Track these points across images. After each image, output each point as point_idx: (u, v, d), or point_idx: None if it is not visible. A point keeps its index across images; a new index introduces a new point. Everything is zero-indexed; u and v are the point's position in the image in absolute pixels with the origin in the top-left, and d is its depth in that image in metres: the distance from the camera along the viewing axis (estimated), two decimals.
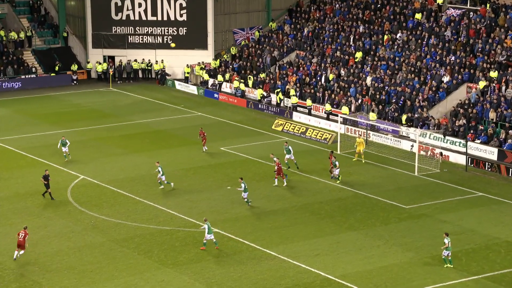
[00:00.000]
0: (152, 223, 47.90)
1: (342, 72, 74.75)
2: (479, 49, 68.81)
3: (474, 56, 68.83)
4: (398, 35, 75.52)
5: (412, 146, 61.29)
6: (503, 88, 64.18)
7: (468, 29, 71.52)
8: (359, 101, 69.70)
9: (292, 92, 73.77)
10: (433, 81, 68.05)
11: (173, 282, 40.37)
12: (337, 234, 46.21)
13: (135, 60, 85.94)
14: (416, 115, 65.02)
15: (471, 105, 64.04)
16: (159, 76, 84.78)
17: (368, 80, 71.77)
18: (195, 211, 49.46)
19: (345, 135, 65.08)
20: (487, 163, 57.84)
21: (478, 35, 70.77)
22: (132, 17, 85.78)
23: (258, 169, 57.36)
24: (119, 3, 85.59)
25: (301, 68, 77.97)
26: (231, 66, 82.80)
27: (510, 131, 59.55)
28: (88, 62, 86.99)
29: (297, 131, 66.60)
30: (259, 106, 75.03)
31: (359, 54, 75.84)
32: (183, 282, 40.35)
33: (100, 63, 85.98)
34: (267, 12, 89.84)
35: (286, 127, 67.48)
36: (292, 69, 78.34)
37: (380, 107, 68.10)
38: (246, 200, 50.33)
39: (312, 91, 73.58)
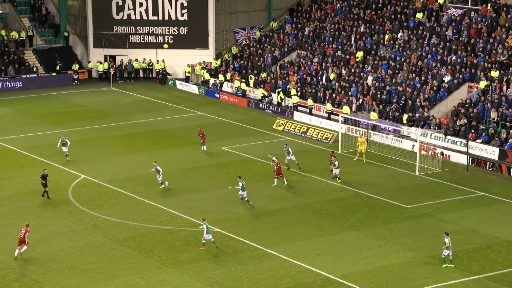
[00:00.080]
0: (153, 222, 47.90)
1: (343, 71, 74.75)
2: (480, 49, 68.78)
3: (475, 55, 68.79)
4: (399, 34, 75.50)
5: (413, 145, 61.27)
6: (504, 87, 64.16)
7: (469, 29, 71.50)
8: (360, 100, 69.69)
9: (293, 91, 73.76)
10: (434, 81, 68.03)
11: (174, 281, 40.36)
12: (338, 233, 46.20)
13: (136, 60, 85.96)
14: (417, 115, 65.01)
15: (472, 104, 64.01)
16: (160, 75, 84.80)
17: (369, 79, 71.76)
18: (196, 210, 49.45)
19: (346, 134, 65.06)
20: (488, 163, 57.82)
21: (479, 34, 70.75)
22: (133, 17, 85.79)
23: (259, 169, 57.35)
24: (120, 3, 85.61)
25: (302, 68, 77.95)
26: (232, 66, 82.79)
27: (511, 131, 59.51)
28: (89, 62, 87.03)
29: (298, 131, 66.59)
30: (260, 105, 75.02)
31: (360, 54, 75.83)
32: (184, 281, 40.34)
33: (101, 63, 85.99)
34: (268, 12, 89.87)
35: (287, 127, 67.47)
36: (293, 69, 78.33)
37: (381, 106, 68.09)
38: (244, 199, 50.26)
39: (313, 90, 73.58)
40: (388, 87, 69.69)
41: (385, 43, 75.67)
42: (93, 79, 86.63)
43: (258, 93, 76.68)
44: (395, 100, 67.85)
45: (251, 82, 78.65)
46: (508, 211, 49.86)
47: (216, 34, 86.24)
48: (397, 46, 74.38)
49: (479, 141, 60.30)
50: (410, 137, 63.56)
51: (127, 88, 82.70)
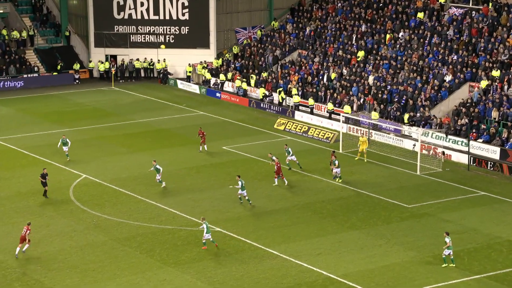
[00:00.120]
0: (154, 222, 47.91)
1: (344, 71, 74.73)
2: (482, 48, 68.76)
3: (476, 55, 68.78)
4: (400, 34, 75.48)
5: (414, 145, 61.27)
6: (505, 87, 64.13)
7: (471, 28, 71.48)
8: (361, 100, 69.68)
9: (294, 91, 73.77)
10: (435, 80, 68.01)
11: (175, 281, 40.37)
12: (339, 233, 46.20)
13: (137, 59, 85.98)
14: (418, 114, 65.00)
15: (473, 104, 64.00)
16: (161, 75, 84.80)
17: (370, 79, 71.76)
18: (197, 210, 49.45)
19: (347, 134, 65.05)
20: (489, 162, 57.80)
21: (480, 34, 70.73)
22: (134, 16, 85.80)
23: (260, 168, 57.35)
24: (121, 2, 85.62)
25: (303, 67, 77.95)
26: (233, 65, 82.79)
27: None
28: (90, 61, 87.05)
29: (299, 130, 66.59)
30: (261, 105, 75.02)
31: (361, 53, 75.81)
32: (185, 281, 40.35)
33: (102, 62, 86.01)
34: (269, 11, 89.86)
35: (288, 126, 67.47)
36: (294, 68, 78.32)
37: (382, 106, 68.07)
38: (244, 198, 50.20)
39: (314, 90, 73.58)
40: (389, 87, 69.68)
41: (386, 43, 75.66)
42: (94, 78, 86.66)
43: (259, 92, 76.69)
44: (396, 99, 67.83)
45: (252, 82, 78.65)
46: (509, 211, 49.85)
47: (217, 33, 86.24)
48: (398, 46, 74.36)
49: (480, 140, 60.29)
50: (411, 136, 63.55)
51: (128, 87, 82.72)
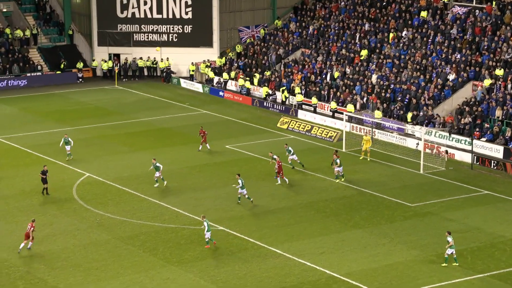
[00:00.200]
0: (157, 221, 47.92)
1: (348, 70, 74.68)
2: (485, 47, 68.70)
3: (479, 54, 68.71)
4: (404, 33, 75.42)
5: (418, 144, 61.22)
6: (509, 86, 64.06)
7: (474, 27, 71.41)
8: (365, 99, 69.63)
9: (297, 90, 73.74)
10: (439, 79, 67.95)
11: (178, 279, 40.37)
12: (342, 232, 46.18)
13: (141, 58, 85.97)
14: (421, 113, 64.94)
15: (477, 103, 63.93)
16: (164, 74, 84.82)
17: (374, 78, 71.71)
18: (200, 209, 49.43)
19: (350, 133, 64.99)
20: (492, 161, 57.74)
21: (484, 33, 70.66)
22: (137, 15, 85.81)
23: (263, 167, 57.32)
24: (125, 1, 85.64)
25: (306, 66, 77.91)
26: (236, 64, 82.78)
27: None
28: (94, 60, 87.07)
29: (302, 129, 66.56)
30: (264, 104, 75.01)
31: (364, 52, 75.76)
32: (188, 279, 40.35)
33: (105, 61, 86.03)
34: (273, 10, 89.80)
35: (291, 125, 67.44)
36: (297, 67, 78.29)
37: (386, 105, 68.03)
38: (244, 196, 50.15)
39: (318, 89, 73.53)
40: (392, 86, 69.62)
41: (390, 42, 75.61)
42: (97, 77, 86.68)
43: (262, 91, 76.67)
44: (399, 98, 67.79)
45: (256, 81, 78.63)
46: None
47: (220, 32, 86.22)
48: (401, 45, 74.29)
49: (484, 139, 60.24)
50: (414, 135, 63.51)
51: (131, 86, 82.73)
